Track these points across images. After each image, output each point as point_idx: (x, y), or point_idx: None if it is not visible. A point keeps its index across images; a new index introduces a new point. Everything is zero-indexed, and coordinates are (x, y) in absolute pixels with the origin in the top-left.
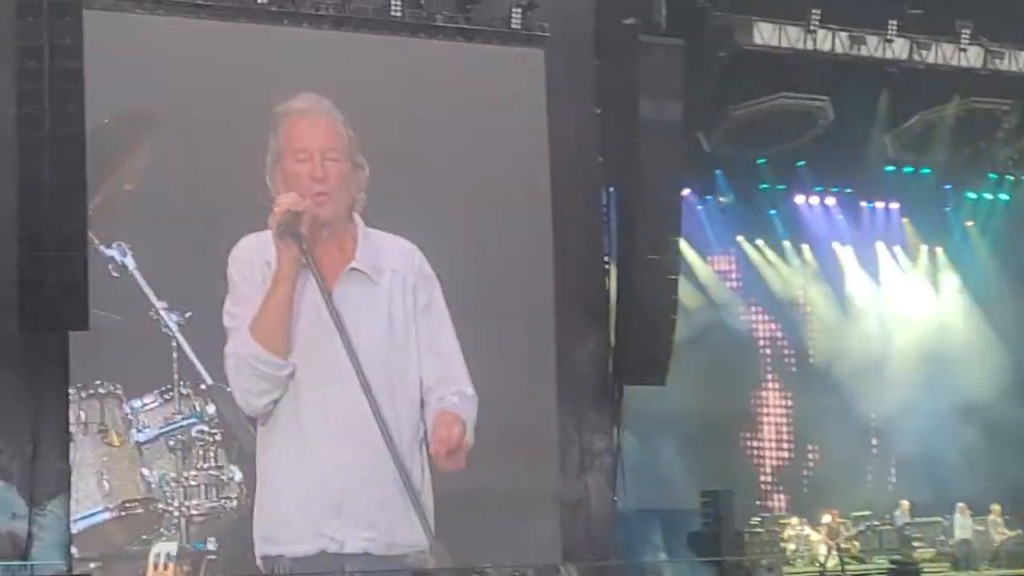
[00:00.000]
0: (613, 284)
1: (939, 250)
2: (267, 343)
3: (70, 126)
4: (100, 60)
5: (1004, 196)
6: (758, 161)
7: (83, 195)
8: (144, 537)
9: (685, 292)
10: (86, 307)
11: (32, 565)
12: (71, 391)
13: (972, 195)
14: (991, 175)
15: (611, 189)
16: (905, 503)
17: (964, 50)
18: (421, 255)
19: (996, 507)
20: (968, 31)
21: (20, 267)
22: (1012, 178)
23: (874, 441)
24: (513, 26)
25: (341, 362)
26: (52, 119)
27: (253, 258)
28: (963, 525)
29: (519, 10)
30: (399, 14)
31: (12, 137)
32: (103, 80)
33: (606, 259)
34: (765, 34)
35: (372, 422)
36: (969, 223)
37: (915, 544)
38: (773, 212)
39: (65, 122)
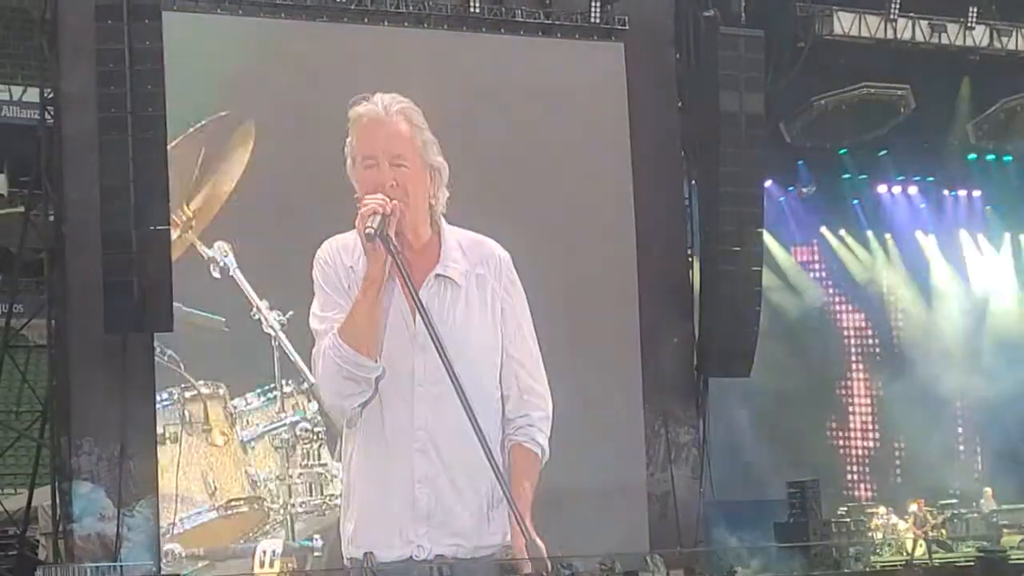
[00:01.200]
0: (696, 277)
1: (1023, 238)
2: (357, 345)
3: (151, 129)
4: (181, 62)
5: None
6: (840, 151)
7: (165, 197)
8: (250, 535)
9: (769, 283)
10: (170, 308)
11: (122, 566)
12: (175, 391)
13: None
14: None
15: (693, 182)
16: (989, 490)
17: None
18: (509, 260)
19: None
20: None
21: (104, 270)
22: None
23: (960, 430)
24: (593, 20)
25: (428, 369)
26: (133, 122)
27: (336, 261)
28: None
29: (598, 4)
30: (478, 10)
31: (94, 141)
32: (186, 83)
33: (689, 252)
34: (845, 24)
35: (458, 429)
36: None
37: (1003, 530)
38: (855, 202)
39: (146, 125)
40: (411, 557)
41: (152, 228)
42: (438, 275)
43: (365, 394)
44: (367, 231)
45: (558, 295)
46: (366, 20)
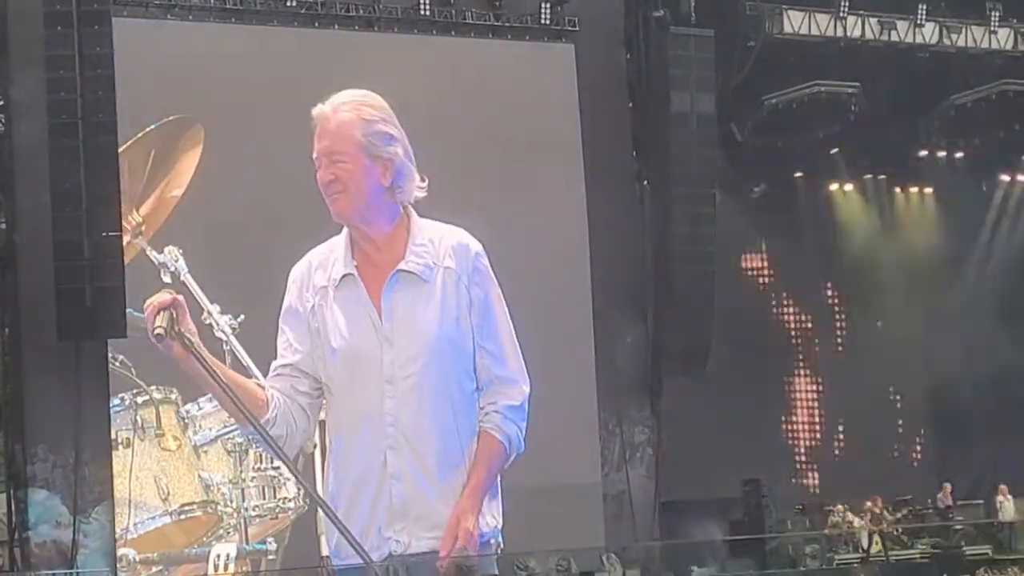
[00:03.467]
0: (650, 277)
1: None
2: (242, 420)
3: (102, 135)
4: (132, 68)
5: None
6: (791, 150)
7: (117, 203)
8: (204, 539)
9: (721, 283)
10: (123, 314)
11: (78, 573)
12: (127, 396)
13: (1006, 178)
14: None
15: (645, 183)
16: (947, 486)
17: (995, 32)
18: (479, 250)
19: None
20: (998, 13)
21: (56, 277)
22: None
23: (900, 422)
24: (543, 21)
25: (396, 364)
26: (84, 128)
27: (304, 281)
28: (1006, 507)
29: (548, 5)
30: (428, 13)
31: (45, 148)
32: (136, 88)
33: (642, 252)
34: (795, 22)
35: (430, 424)
36: None
37: (958, 527)
38: (807, 200)
39: (97, 131)
40: (390, 553)
41: (104, 235)
42: (400, 270)
43: (297, 440)
44: (155, 334)
45: (511, 295)
46: (316, 24)
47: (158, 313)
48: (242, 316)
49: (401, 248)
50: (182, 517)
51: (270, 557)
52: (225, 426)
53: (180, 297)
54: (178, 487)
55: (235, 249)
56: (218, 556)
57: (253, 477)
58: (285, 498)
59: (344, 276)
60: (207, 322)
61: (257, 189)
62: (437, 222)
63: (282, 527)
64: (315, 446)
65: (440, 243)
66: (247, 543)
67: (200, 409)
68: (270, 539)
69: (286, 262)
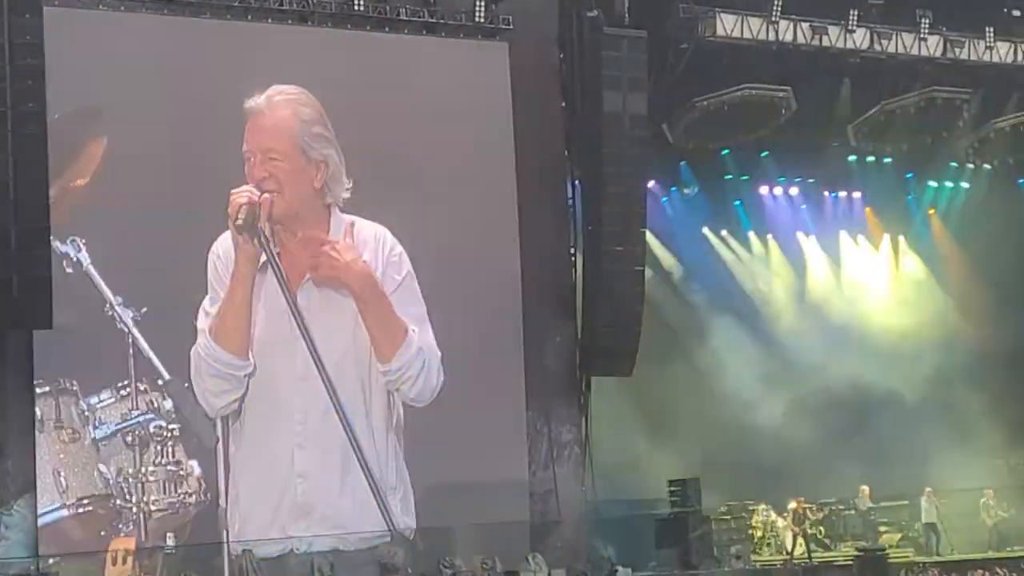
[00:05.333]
0: (579, 276)
1: (901, 238)
2: (225, 343)
3: (31, 124)
4: (62, 57)
5: (965, 184)
6: (722, 152)
7: (45, 193)
8: (102, 533)
9: (650, 283)
10: (50, 305)
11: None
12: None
13: (933, 184)
14: (952, 164)
15: (576, 181)
16: (865, 488)
17: (924, 39)
18: (392, 238)
19: (989, 490)
20: (928, 20)
21: None
22: (973, 166)
23: (835, 427)
24: (477, 19)
25: (308, 361)
26: (13, 117)
27: (229, 256)
28: (928, 509)
29: (483, 3)
30: (362, 8)
31: None
32: (65, 77)
33: (572, 251)
34: (728, 25)
35: (339, 424)
36: (931, 211)
37: (881, 529)
38: (737, 203)
39: (26, 120)
40: (291, 551)
41: (32, 225)
42: None
43: (236, 391)
44: (237, 223)
45: (441, 292)
46: (249, 17)
47: (242, 205)
48: (145, 308)
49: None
50: (80, 511)
51: (169, 552)
52: (125, 419)
53: (267, 196)
54: (77, 480)
55: (140, 241)
56: (116, 551)
57: (153, 472)
58: (186, 492)
59: (263, 263)
60: (109, 314)
61: (166, 181)
62: (356, 217)
63: (183, 522)
64: (217, 441)
65: (357, 238)
66: (146, 538)
67: (100, 402)
68: (169, 534)
69: (190, 256)
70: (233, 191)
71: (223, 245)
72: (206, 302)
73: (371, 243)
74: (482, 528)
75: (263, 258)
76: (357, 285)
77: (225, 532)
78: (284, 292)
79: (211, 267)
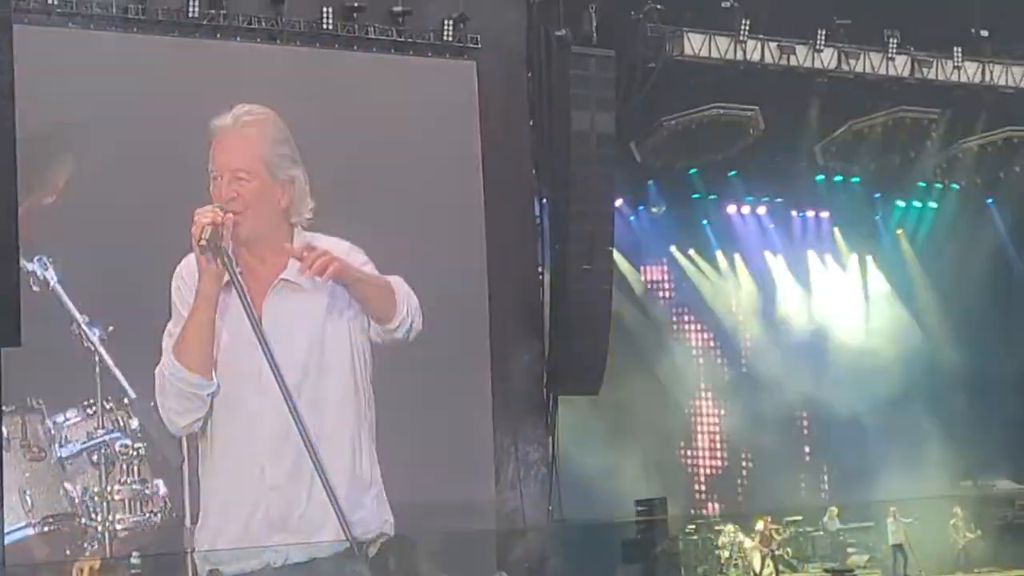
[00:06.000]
0: (547, 295)
1: (869, 258)
2: (189, 363)
3: (0, 141)
4: (31, 75)
5: (932, 204)
6: (690, 171)
7: (14, 211)
8: (68, 552)
9: (618, 302)
10: (18, 323)
11: None
12: None
13: (901, 203)
14: (920, 183)
15: (544, 200)
16: (834, 509)
17: (892, 59)
18: (359, 254)
19: (958, 510)
20: (896, 40)
21: None
22: (940, 186)
23: (806, 448)
24: (445, 38)
25: (272, 376)
26: None
27: (192, 279)
28: (895, 530)
29: (451, 22)
30: (331, 27)
31: None
32: (34, 95)
33: (540, 270)
34: (695, 45)
35: (310, 435)
36: (898, 231)
37: (849, 550)
38: (705, 222)
39: None
40: (268, 564)
41: (0, 243)
42: (283, 279)
43: (200, 411)
44: (200, 243)
45: None
46: (218, 36)
47: (205, 225)
48: (111, 327)
49: (285, 259)
50: (46, 529)
51: (134, 571)
52: (91, 438)
53: (231, 216)
54: (42, 499)
55: (107, 260)
56: (81, 569)
57: (119, 490)
58: (152, 511)
59: (225, 283)
60: (76, 332)
61: (137, 200)
62: (319, 234)
63: (149, 541)
64: (183, 460)
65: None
66: (111, 556)
67: (66, 420)
68: (134, 553)
69: (157, 274)
70: (197, 211)
71: (186, 268)
72: (170, 323)
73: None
74: (449, 546)
75: (226, 277)
76: (339, 268)
77: (190, 551)
78: (247, 310)
79: (175, 289)
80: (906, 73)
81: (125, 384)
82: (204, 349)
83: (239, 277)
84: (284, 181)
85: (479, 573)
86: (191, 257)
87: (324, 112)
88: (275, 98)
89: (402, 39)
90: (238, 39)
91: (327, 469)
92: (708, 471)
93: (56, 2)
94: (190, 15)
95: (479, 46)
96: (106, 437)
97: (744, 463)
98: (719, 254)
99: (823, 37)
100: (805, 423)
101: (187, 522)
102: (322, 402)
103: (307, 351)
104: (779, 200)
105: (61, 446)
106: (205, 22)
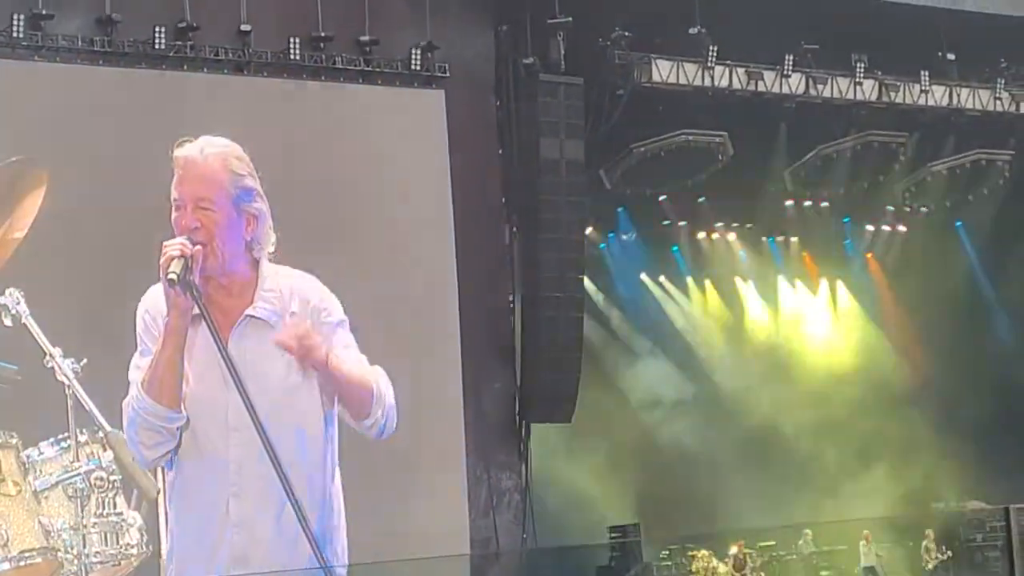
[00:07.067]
0: (518, 323)
1: (839, 282)
2: (158, 397)
3: None
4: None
5: (902, 228)
6: (659, 198)
7: None
8: None
9: (590, 329)
10: None
11: None
12: None
13: (871, 227)
14: (889, 207)
15: (514, 228)
16: (808, 532)
17: (860, 84)
18: (325, 295)
19: (929, 531)
20: (863, 65)
21: None
22: (909, 210)
23: (779, 472)
24: (413, 67)
25: (242, 412)
26: None
27: (156, 310)
28: (867, 553)
29: (419, 51)
30: (298, 57)
31: None
32: (2, 128)
33: (511, 298)
34: (663, 71)
35: (273, 472)
36: (868, 255)
37: (822, 573)
38: (675, 248)
39: None
40: None
41: None
42: (248, 316)
43: (169, 443)
44: (169, 277)
45: (378, 339)
46: (185, 67)
47: (174, 259)
48: (85, 360)
49: (250, 294)
50: (22, 564)
51: None
52: (66, 471)
53: (199, 248)
54: (18, 533)
55: (79, 292)
56: None
57: (95, 523)
58: (128, 544)
59: (193, 316)
60: (49, 365)
61: (105, 232)
62: (286, 267)
63: (125, 573)
64: (159, 491)
65: (288, 289)
66: None
67: (41, 454)
68: None
69: (129, 306)
70: (165, 243)
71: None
72: (136, 356)
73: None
74: (420, 572)
75: (196, 310)
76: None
77: None
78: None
79: (140, 322)
80: (874, 97)
81: (99, 417)
82: (174, 383)
83: (207, 310)
84: (249, 214)
85: None
86: (155, 288)
87: (290, 143)
88: (241, 129)
89: (370, 68)
90: (205, 71)
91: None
92: (680, 494)
93: (22, 36)
94: (156, 47)
95: (447, 75)
96: (81, 470)
97: (715, 485)
98: (689, 280)
99: (791, 62)
100: (776, 444)
101: (163, 553)
102: (288, 434)
103: (275, 385)
104: (749, 226)
105: (36, 479)
106: (172, 54)
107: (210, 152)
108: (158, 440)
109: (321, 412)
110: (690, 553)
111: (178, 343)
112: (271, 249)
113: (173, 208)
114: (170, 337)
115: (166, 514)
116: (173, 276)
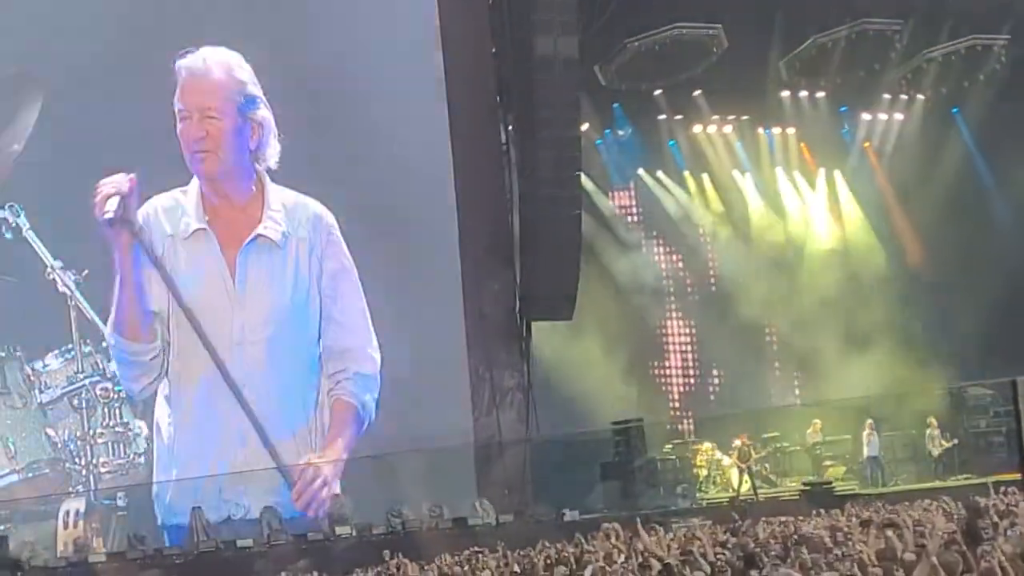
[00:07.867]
0: (516, 222)
1: (837, 172)
2: (124, 332)
3: None
4: None
5: (899, 116)
6: (655, 93)
7: None
8: (53, 496)
9: (588, 226)
10: None
11: None
12: None
13: (868, 116)
14: (885, 96)
15: (510, 128)
16: (817, 422)
17: None
18: (332, 222)
19: (933, 420)
20: None
21: None
22: (906, 98)
23: (776, 364)
24: None
25: (247, 328)
26: None
27: (155, 226)
28: (870, 442)
29: None
30: None
31: None
32: None
33: (508, 198)
34: None
35: (277, 389)
36: (866, 144)
37: (826, 463)
38: (672, 143)
39: None
40: (229, 517)
41: None
42: (258, 235)
43: (150, 374)
44: (106, 216)
45: (379, 245)
46: None
47: (110, 197)
48: (86, 271)
49: (257, 212)
50: (30, 475)
51: (120, 513)
52: (71, 382)
53: (134, 181)
54: (25, 445)
55: (79, 204)
56: (67, 512)
57: (102, 433)
58: (136, 453)
59: (196, 231)
60: (50, 277)
61: (105, 144)
62: (291, 190)
63: (132, 482)
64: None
65: (296, 212)
66: (96, 499)
67: (46, 366)
68: (119, 495)
69: None
70: (101, 182)
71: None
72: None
73: (309, 223)
74: (429, 476)
75: (194, 227)
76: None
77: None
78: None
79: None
80: None
81: (102, 327)
82: (137, 318)
83: (154, 252)
84: (254, 122)
85: (461, 501)
86: (155, 201)
87: (285, 52)
88: (233, 39)
89: None
90: None
91: (282, 425)
92: (681, 388)
93: None
94: None
95: None
96: (86, 381)
97: (716, 378)
98: (687, 174)
99: None
100: (774, 336)
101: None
102: (292, 359)
103: (279, 304)
104: (745, 118)
105: (41, 392)
106: None
107: (213, 62)
108: (136, 373)
109: (317, 339)
110: (694, 447)
111: (132, 280)
112: (276, 159)
113: (178, 119)
114: (124, 278)
115: (159, 426)
116: (110, 215)
